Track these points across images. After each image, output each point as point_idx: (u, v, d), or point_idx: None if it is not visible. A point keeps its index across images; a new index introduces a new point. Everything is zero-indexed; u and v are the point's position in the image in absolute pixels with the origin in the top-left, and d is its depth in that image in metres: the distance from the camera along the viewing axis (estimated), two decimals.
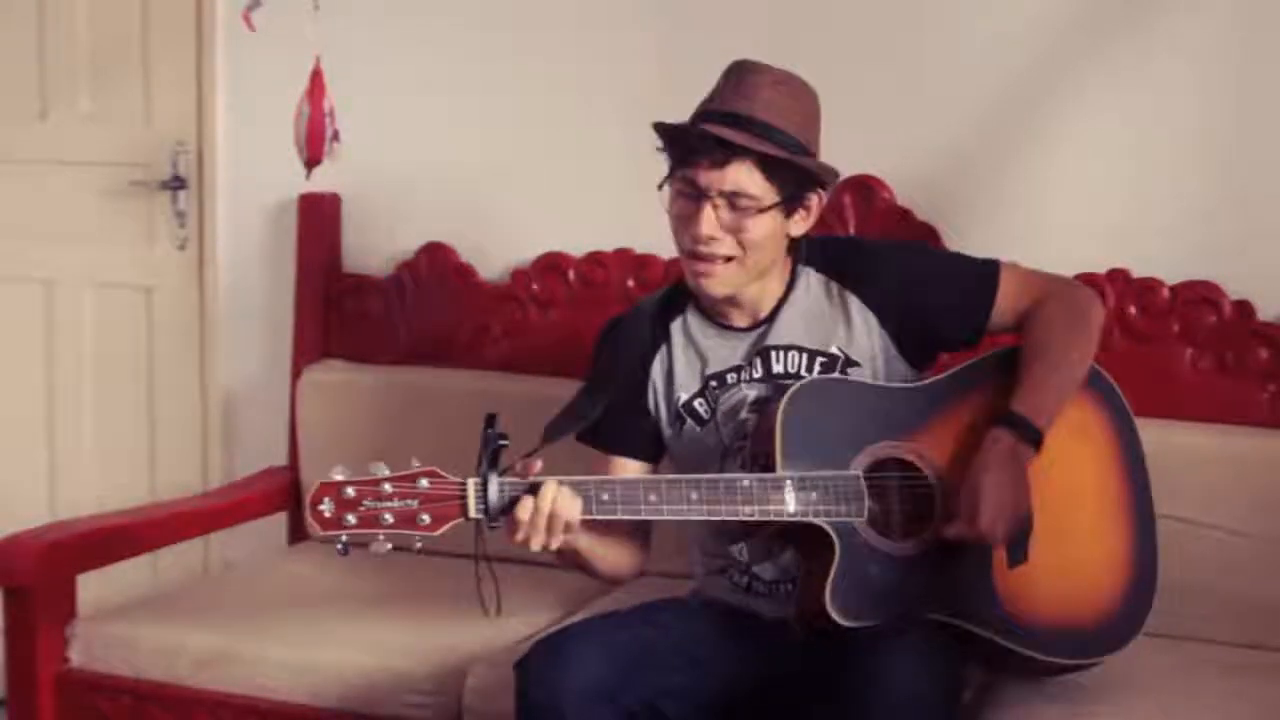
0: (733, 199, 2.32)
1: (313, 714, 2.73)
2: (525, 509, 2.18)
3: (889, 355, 2.42)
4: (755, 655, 2.38)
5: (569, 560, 2.34)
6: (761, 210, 2.32)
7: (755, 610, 2.44)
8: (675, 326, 2.49)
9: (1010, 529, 2.27)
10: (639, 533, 2.44)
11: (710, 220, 2.33)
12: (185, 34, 3.57)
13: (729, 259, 2.35)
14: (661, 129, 2.37)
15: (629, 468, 2.48)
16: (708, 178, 2.32)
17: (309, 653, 2.77)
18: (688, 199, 2.35)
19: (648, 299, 2.56)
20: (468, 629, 2.72)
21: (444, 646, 2.72)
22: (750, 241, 2.34)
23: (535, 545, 2.20)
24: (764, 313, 2.44)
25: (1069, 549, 2.34)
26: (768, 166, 2.31)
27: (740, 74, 2.37)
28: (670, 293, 2.52)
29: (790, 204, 2.35)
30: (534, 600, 2.86)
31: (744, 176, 2.31)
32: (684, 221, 2.36)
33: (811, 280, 2.45)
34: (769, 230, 2.35)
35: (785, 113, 2.33)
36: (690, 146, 2.33)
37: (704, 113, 2.36)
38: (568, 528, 2.20)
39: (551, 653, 2.27)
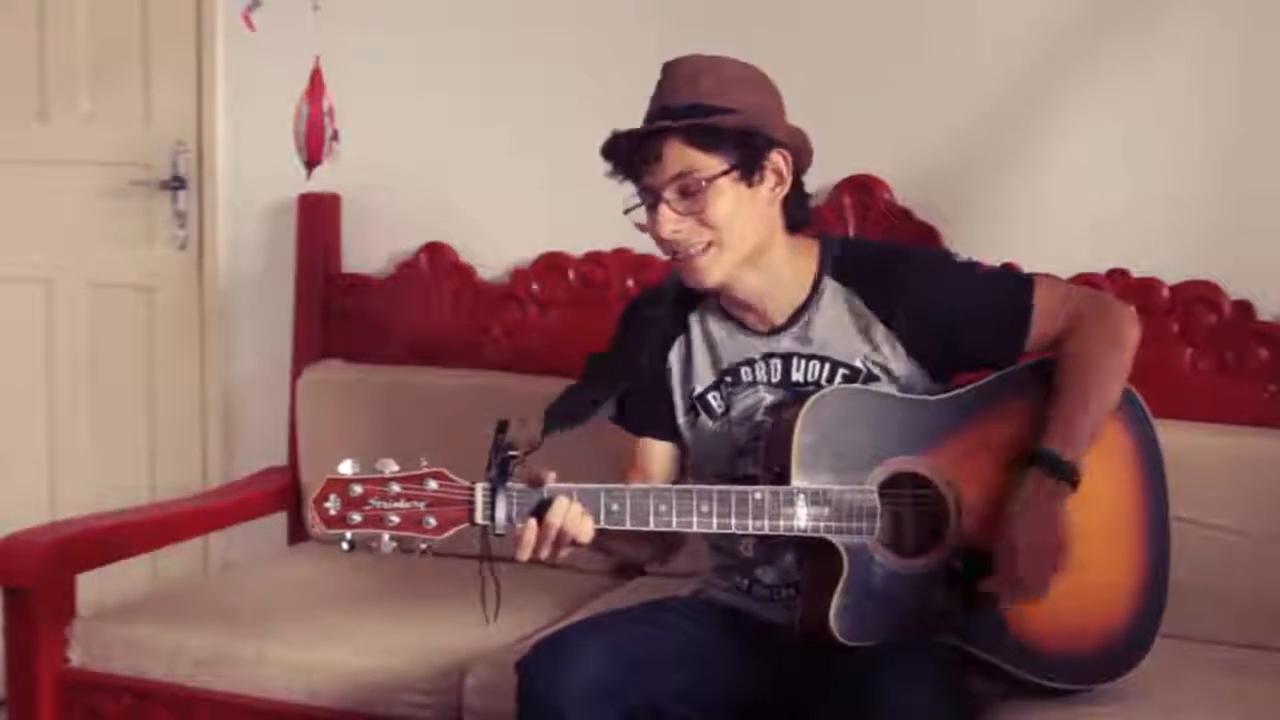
0: (681, 185, 2.28)
1: (312, 714, 2.73)
2: (532, 530, 2.17)
3: (913, 371, 2.37)
4: (756, 657, 2.37)
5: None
6: (710, 180, 2.27)
7: (755, 613, 2.43)
8: (693, 319, 2.46)
9: (1041, 580, 2.24)
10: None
11: (667, 216, 2.29)
12: (185, 34, 3.58)
13: (707, 246, 2.31)
14: (602, 151, 2.33)
15: (657, 449, 2.46)
16: (652, 176, 2.29)
17: (309, 653, 2.77)
18: (648, 208, 2.33)
19: (670, 282, 2.50)
20: (468, 629, 2.71)
21: (444, 646, 2.72)
22: (715, 219, 2.28)
23: (543, 556, 2.20)
24: (781, 319, 2.40)
25: (1081, 576, 2.30)
26: (697, 138, 2.26)
27: (662, 74, 2.34)
28: None
29: (745, 170, 2.29)
30: (534, 600, 2.85)
31: (679, 157, 2.27)
32: (651, 229, 2.33)
33: (838, 292, 2.39)
34: (731, 204, 2.29)
35: (706, 86, 2.28)
36: (623, 158, 2.31)
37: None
38: (576, 543, 2.20)
39: (553, 652, 2.26)
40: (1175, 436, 2.51)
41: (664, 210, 2.30)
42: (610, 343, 2.52)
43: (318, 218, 3.44)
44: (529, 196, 3.34)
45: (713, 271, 2.33)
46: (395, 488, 2.15)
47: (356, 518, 2.15)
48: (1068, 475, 2.26)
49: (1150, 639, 2.37)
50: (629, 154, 2.31)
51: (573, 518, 2.17)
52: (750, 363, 2.41)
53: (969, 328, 2.36)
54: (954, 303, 2.37)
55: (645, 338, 2.46)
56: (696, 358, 2.45)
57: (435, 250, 3.38)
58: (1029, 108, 3.00)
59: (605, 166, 2.35)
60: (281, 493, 3.39)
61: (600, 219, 3.17)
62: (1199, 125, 2.91)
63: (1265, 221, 2.89)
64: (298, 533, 3.39)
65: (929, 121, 3.06)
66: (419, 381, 3.30)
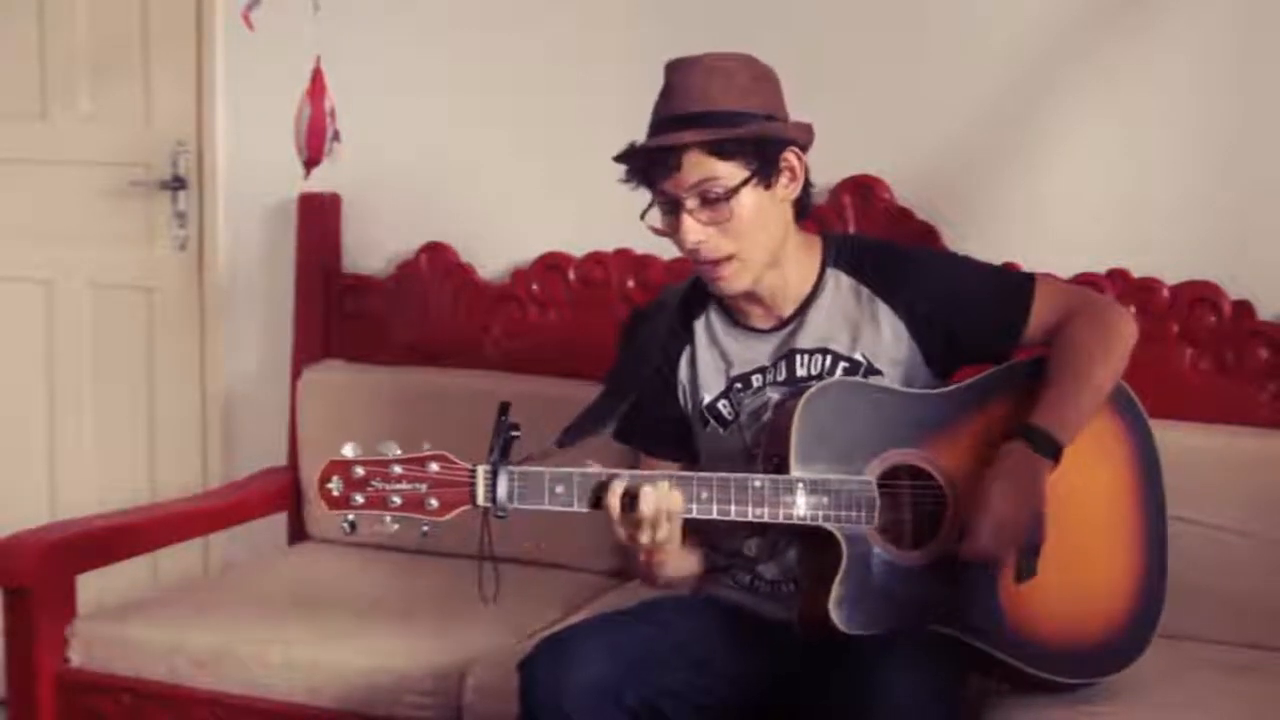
0: (703, 193, 2.29)
1: (312, 714, 2.73)
2: (648, 502, 2.16)
3: (914, 363, 2.38)
4: (757, 655, 2.38)
5: (650, 557, 2.32)
6: (733, 191, 2.28)
7: (756, 610, 2.43)
8: (699, 325, 2.46)
9: (1010, 548, 2.26)
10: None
11: (691, 226, 2.30)
12: (185, 34, 3.58)
13: (729, 258, 2.32)
14: (617, 160, 2.34)
15: (665, 468, 2.44)
16: (671, 185, 2.30)
17: (308, 652, 2.77)
18: (667, 213, 2.34)
19: (670, 291, 2.52)
20: (468, 629, 2.71)
21: (444, 646, 2.72)
22: (739, 230, 2.30)
23: (644, 542, 2.20)
24: (788, 312, 2.42)
25: (1078, 570, 2.32)
26: (715, 149, 2.27)
27: (668, 76, 2.34)
28: (692, 286, 2.47)
29: (764, 174, 2.30)
30: (534, 600, 2.86)
31: (700, 167, 2.27)
32: (672, 235, 2.34)
33: (841, 282, 2.41)
34: (753, 210, 2.30)
35: (718, 93, 2.28)
36: (642, 165, 2.32)
37: (651, 126, 2.33)
38: (670, 518, 2.19)
39: (555, 652, 2.27)
40: (1175, 437, 2.51)
41: (687, 220, 2.30)
42: (615, 356, 2.51)
43: (318, 218, 3.44)
44: (529, 196, 3.34)
45: (736, 282, 2.35)
46: (397, 469, 2.17)
47: (359, 499, 2.17)
48: (1049, 449, 2.27)
49: (1149, 635, 2.38)
50: (645, 162, 2.32)
51: (661, 496, 2.17)
52: (762, 370, 2.42)
53: (968, 322, 2.38)
54: (954, 298, 2.39)
55: (648, 352, 2.46)
56: (704, 367, 2.45)
57: (435, 250, 3.38)
58: (1029, 108, 3.00)
59: (607, 168, 2.36)
60: (281, 493, 3.39)
61: (600, 219, 3.19)
62: (1199, 125, 2.91)
63: (1265, 221, 2.89)
64: (298, 533, 3.39)
65: (929, 121, 3.06)
66: (419, 381, 3.30)
